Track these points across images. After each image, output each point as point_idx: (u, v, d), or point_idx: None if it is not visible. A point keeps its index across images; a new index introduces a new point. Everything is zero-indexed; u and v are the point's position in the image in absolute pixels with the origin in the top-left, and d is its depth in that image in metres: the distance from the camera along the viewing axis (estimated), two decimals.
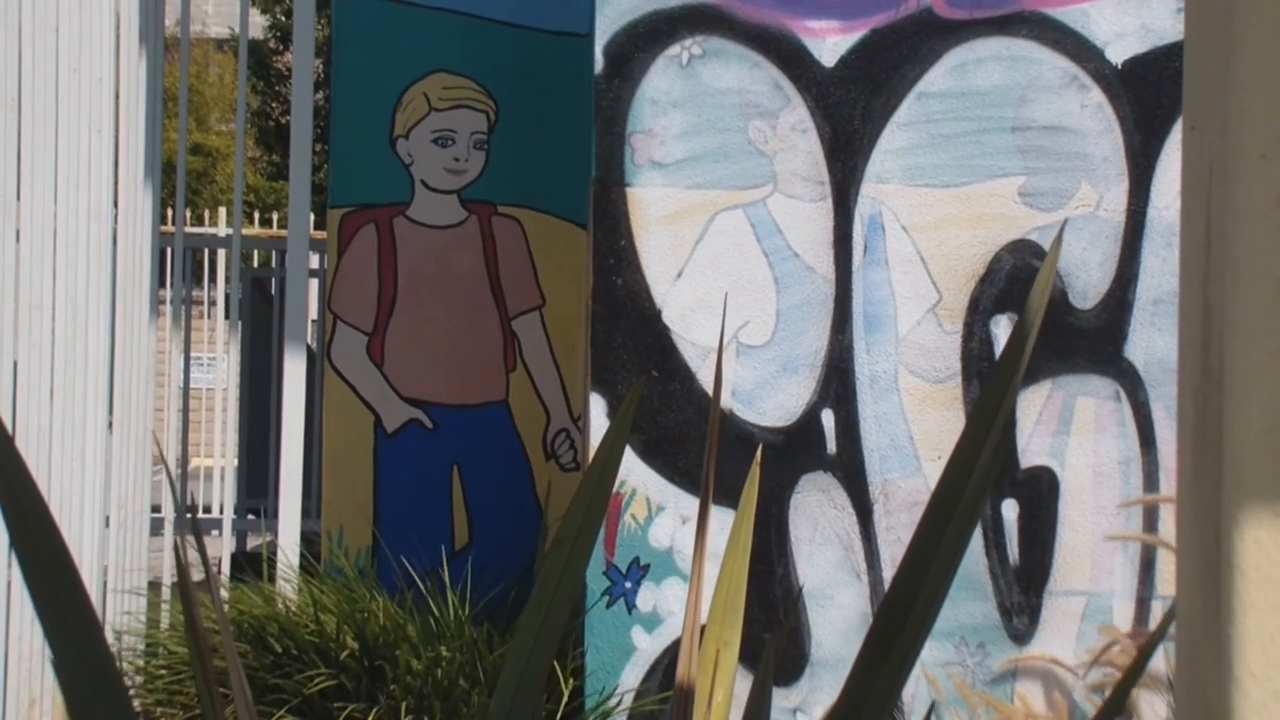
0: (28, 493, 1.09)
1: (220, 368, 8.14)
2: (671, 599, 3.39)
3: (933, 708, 3.34)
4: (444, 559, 4.09)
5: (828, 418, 3.42)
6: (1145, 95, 3.43)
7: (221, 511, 6.38)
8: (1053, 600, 3.41)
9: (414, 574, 3.86)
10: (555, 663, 3.33)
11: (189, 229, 9.64)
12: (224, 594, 3.97)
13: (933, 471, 3.40)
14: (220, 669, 1.62)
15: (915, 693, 3.39)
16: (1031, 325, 1.12)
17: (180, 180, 4.75)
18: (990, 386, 1.13)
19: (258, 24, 15.20)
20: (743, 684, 3.06)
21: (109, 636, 3.93)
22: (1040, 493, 3.42)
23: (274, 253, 8.52)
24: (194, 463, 8.80)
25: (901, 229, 3.43)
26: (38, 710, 3.39)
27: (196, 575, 6.88)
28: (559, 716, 3.32)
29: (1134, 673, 1.28)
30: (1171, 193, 3.41)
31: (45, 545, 1.11)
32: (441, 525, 4.28)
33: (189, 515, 7.03)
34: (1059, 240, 1.39)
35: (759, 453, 1.84)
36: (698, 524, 1.45)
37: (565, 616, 1.24)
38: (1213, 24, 0.88)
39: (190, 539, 6.87)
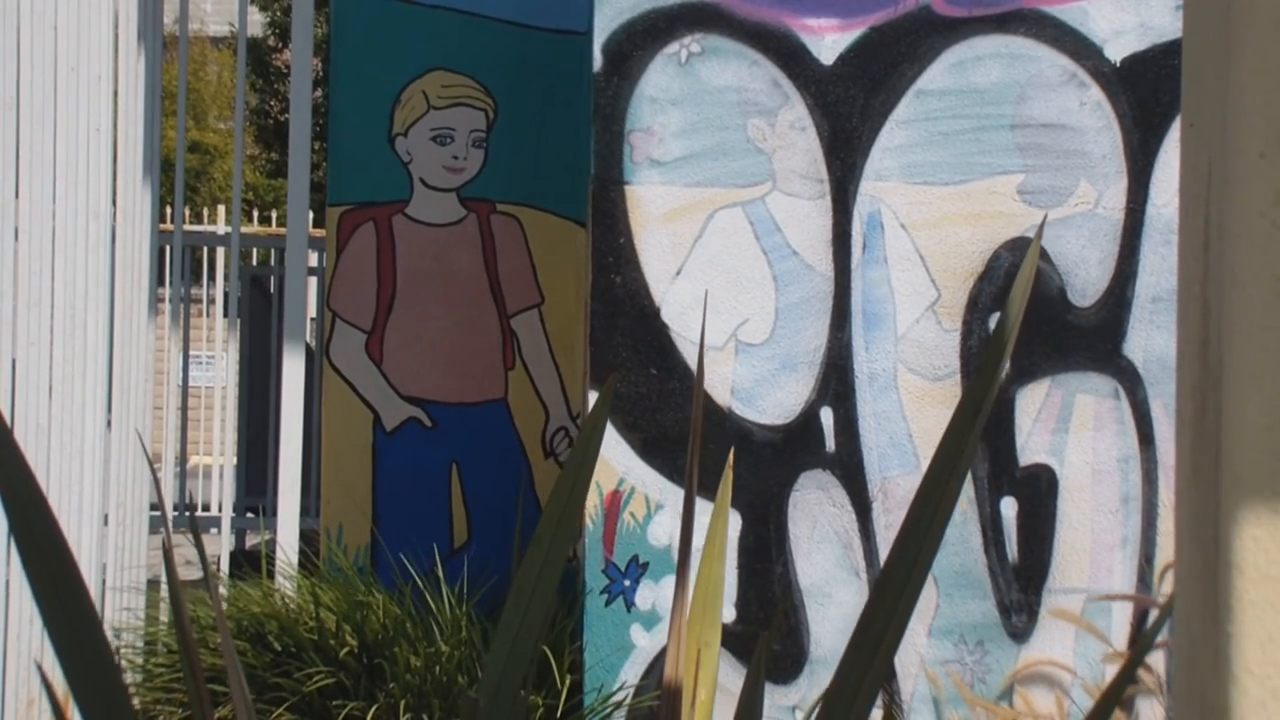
0: (26, 487, 1.09)
1: (219, 366, 8.14)
2: (670, 597, 3.39)
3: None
4: (443, 557, 4.09)
5: (827, 416, 3.42)
6: (1144, 93, 3.43)
7: (220, 509, 6.38)
8: (1052, 598, 3.41)
9: (413, 572, 3.86)
10: (552, 658, 3.33)
11: (188, 227, 9.64)
12: (222, 592, 3.97)
13: None
14: (220, 667, 1.62)
15: (915, 691, 3.40)
16: (1013, 320, 1.12)
17: (179, 178, 4.74)
18: (974, 382, 1.13)
19: (256, 21, 15.19)
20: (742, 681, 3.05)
21: (108, 634, 3.93)
22: (1039, 490, 3.42)
23: (273, 251, 8.53)
24: (193, 461, 8.80)
25: (900, 227, 3.43)
26: (36, 709, 3.39)
27: (196, 573, 6.88)
28: (559, 712, 3.32)
29: (1128, 671, 1.28)
30: (1170, 190, 3.41)
31: (45, 538, 1.11)
32: (440, 523, 4.28)
33: (180, 514, 7.03)
34: (1039, 235, 1.38)
35: (730, 455, 1.84)
36: (683, 521, 1.45)
37: (544, 611, 1.25)
38: (1211, 22, 0.88)
39: (180, 538, 6.86)
